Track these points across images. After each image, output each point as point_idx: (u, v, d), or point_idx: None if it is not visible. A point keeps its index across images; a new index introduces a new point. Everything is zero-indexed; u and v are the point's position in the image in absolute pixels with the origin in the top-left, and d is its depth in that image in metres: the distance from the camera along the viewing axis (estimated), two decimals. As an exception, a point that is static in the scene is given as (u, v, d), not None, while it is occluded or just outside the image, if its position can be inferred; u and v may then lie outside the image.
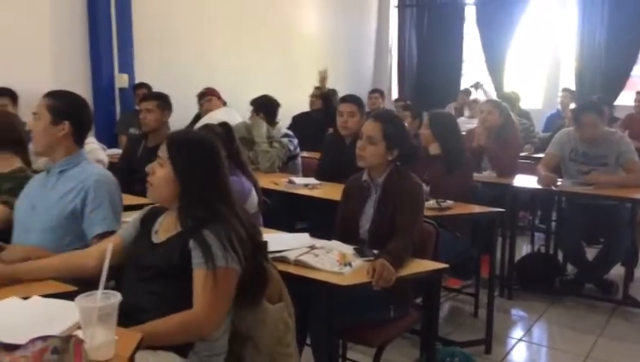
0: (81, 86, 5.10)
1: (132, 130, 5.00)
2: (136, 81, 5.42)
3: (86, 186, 2.21)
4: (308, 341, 2.35)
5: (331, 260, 2.17)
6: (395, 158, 2.52)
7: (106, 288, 1.45)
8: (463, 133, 4.18)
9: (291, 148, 4.37)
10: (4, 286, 1.80)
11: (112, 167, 3.91)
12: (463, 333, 3.35)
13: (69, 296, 1.67)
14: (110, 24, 5.19)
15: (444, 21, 8.60)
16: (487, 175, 4.08)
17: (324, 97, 6.01)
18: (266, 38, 6.82)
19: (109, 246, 1.56)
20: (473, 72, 8.55)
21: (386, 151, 2.50)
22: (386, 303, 2.35)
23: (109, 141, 4.94)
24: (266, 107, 4.45)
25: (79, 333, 1.35)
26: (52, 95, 2.28)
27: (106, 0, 5.13)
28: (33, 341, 1.22)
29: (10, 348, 1.23)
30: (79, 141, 2.32)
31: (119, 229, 2.22)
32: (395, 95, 8.97)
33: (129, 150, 3.89)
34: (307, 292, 2.21)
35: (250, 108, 4.59)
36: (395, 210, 2.41)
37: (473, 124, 5.42)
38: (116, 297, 1.40)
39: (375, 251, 2.29)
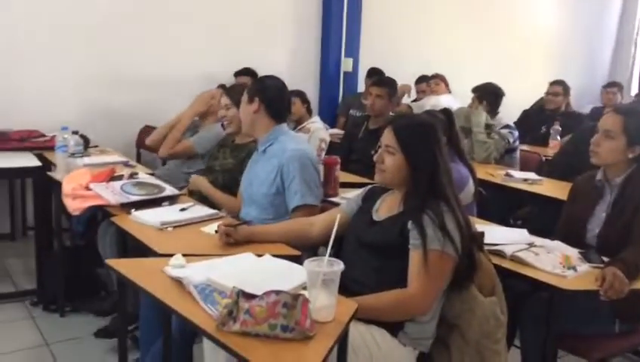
0: (311, 69, 5.50)
1: (352, 112, 5.22)
2: (360, 65, 5.62)
3: (281, 162, 2.37)
4: (516, 341, 2.25)
5: (553, 261, 2.02)
6: (637, 157, 2.25)
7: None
8: None
9: (510, 140, 4.15)
10: (241, 245, 2.02)
11: (332, 145, 4.15)
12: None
13: (293, 259, 1.84)
14: (342, 12, 5.46)
15: None
16: None
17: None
18: (488, 27, 6.54)
19: (337, 216, 1.67)
20: None
21: (627, 148, 2.24)
22: (611, 316, 2.12)
23: (331, 121, 5.24)
24: (489, 95, 4.28)
25: (305, 293, 1.46)
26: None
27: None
28: (268, 293, 1.35)
29: (249, 296, 1.38)
30: (276, 117, 2.48)
31: (316, 202, 2.36)
32: (635, 89, 7.97)
33: (351, 131, 4.07)
34: (521, 290, 2.11)
35: (468, 97, 4.47)
36: (634, 216, 2.16)
37: None
38: (339, 265, 1.49)
39: (604, 258, 2.08)
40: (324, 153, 3.98)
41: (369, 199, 2.02)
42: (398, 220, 1.82)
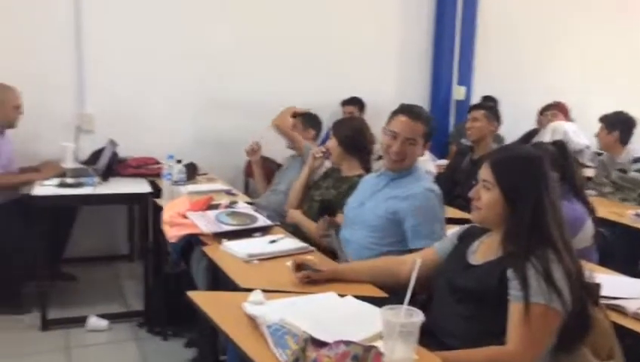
0: (420, 97, 5.34)
1: (463, 141, 5.00)
2: (473, 94, 5.39)
3: (414, 195, 2.25)
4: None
5: (687, 322, 1.71)
6: None
7: (416, 301, 1.41)
8: None
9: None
10: (324, 283, 1.93)
11: (437, 177, 3.97)
12: None
13: (379, 302, 1.70)
14: (454, 39, 5.30)
15: None
16: None
17: None
18: (621, 51, 5.99)
19: (417, 261, 1.52)
20: None
21: None
22: None
23: (441, 151, 5.04)
24: (621, 124, 3.88)
25: (381, 343, 1.34)
26: (420, 117, 2.35)
27: (451, 15, 5.26)
28: (338, 343, 1.25)
29: (318, 344, 1.28)
30: None
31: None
32: None
33: (455, 161, 3.88)
34: (647, 354, 1.80)
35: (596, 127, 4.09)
36: None
37: None
38: (419, 316, 1.34)
39: None
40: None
41: (465, 239, 1.84)
42: (497, 266, 1.63)
